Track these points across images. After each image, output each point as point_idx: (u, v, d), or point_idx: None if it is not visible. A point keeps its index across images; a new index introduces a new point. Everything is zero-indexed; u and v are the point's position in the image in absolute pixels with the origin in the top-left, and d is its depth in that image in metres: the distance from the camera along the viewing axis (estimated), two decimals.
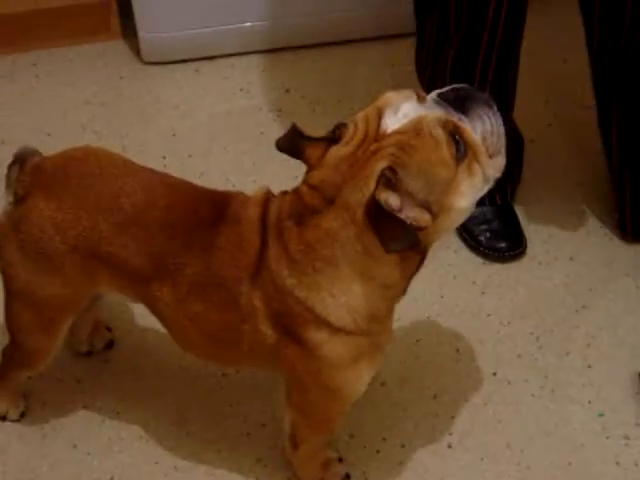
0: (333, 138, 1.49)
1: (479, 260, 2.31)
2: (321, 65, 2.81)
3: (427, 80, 2.24)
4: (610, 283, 2.28)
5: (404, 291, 1.58)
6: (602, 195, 2.38)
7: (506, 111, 2.22)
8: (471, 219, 2.28)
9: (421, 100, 1.48)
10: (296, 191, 1.53)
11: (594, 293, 2.25)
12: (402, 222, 1.41)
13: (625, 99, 2.13)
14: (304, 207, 1.50)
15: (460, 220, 1.53)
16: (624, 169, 2.23)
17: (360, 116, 1.49)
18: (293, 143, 1.52)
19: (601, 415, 2.03)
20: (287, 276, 1.52)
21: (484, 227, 2.29)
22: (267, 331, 1.57)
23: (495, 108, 1.52)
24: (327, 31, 2.82)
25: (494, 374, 2.09)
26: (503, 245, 2.30)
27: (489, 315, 2.21)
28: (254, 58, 2.83)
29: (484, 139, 1.49)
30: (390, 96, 1.49)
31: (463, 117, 1.48)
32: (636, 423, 2.02)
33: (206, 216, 1.59)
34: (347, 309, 1.51)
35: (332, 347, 1.53)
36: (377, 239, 1.43)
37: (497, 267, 2.30)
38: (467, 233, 2.30)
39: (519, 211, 2.37)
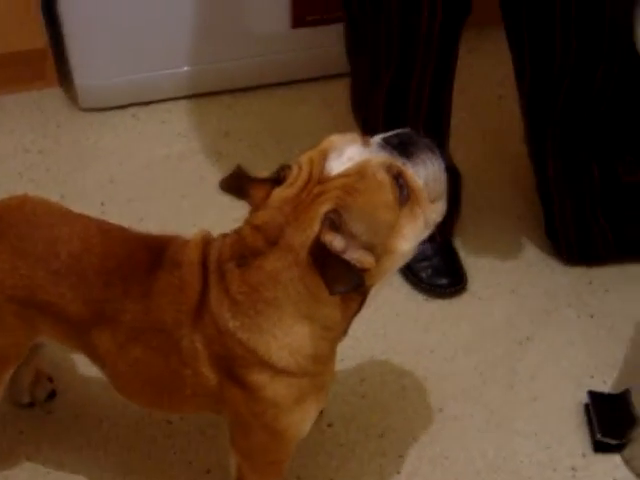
0: (277, 179, 1.50)
1: (421, 297, 2.32)
2: (259, 107, 2.82)
3: (362, 120, 2.25)
4: (552, 314, 2.30)
5: (345, 332, 1.58)
6: (541, 228, 2.40)
7: (441, 147, 2.24)
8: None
9: (365, 144, 1.49)
10: (238, 232, 1.53)
11: (536, 325, 2.27)
12: (346, 263, 1.41)
13: (560, 131, 2.15)
14: (246, 248, 1.49)
15: (402, 262, 1.54)
16: (565, 199, 2.26)
17: (304, 158, 1.49)
18: (237, 184, 1.52)
19: (548, 447, 2.04)
20: (229, 318, 1.51)
21: (425, 264, 2.30)
22: (209, 374, 1.56)
23: (438, 154, 1.53)
24: (264, 73, 2.84)
25: (440, 410, 2.10)
26: (444, 281, 2.31)
27: (433, 351, 2.21)
28: (191, 102, 2.83)
29: (426, 184, 1.50)
30: (335, 139, 1.49)
31: (407, 162, 1.49)
32: (582, 454, 2.03)
33: (143, 261, 1.58)
34: (289, 350, 1.50)
35: (275, 389, 1.52)
36: (320, 281, 1.42)
37: (439, 303, 2.31)
38: (408, 270, 2.31)
39: (459, 246, 2.39)
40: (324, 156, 1.47)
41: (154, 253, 1.59)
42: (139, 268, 1.58)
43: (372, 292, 1.53)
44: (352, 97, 2.28)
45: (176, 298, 1.55)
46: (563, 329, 2.26)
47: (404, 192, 1.46)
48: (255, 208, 1.51)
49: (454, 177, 2.34)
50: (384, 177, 1.44)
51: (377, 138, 1.52)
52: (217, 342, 1.53)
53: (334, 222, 1.41)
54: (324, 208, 1.42)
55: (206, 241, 1.58)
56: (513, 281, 2.36)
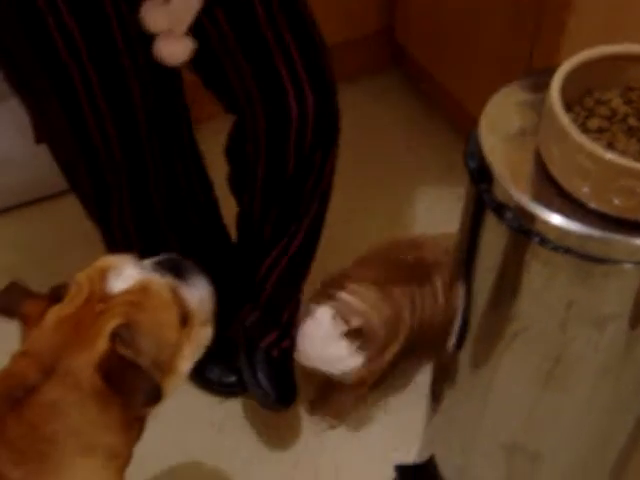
0: (55, 297, 1.45)
1: (214, 399, 2.27)
2: (13, 231, 2.69)
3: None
4: None
5: (129, 458, 1.52)
6: None
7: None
8: None
9: (140, 265, 1.50)
10: (7, 371, 1.44)
11: None
12: (144, 372, 1.37)
13: None
14: (18, 385, 1.40)
15: (179, 384, 1.51)
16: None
17: (82, 276, 1.46)
18: (11, 298, 1.46)
19: None
20: (11, 469, 1.41)
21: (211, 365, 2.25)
22: None
23: (207, 277, 1.57)
24: (15, 194, 2.73)
25: None
26: (234, 379, 2.24)
27: (232, 454, 2.16)
28: None
29: (200, 306, 1.53)
30: (112, 259, 1.49)
31: (182, 284, 1.52)
32: None
33: None
34: None
35: None
36: (103, 404, 1.39)
37: (233, 402, 2.27)
38: (196, 373, 2.24)
39: None
40: (103, 274, 1.45)
41: None
42: None
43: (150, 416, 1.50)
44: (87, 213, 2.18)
45: None
46: (360, 407, 2.25)
47: (184, 313, 1.48)
48: (28, 327, 1.44)
49: None
50: (169, 296, 1.46)
51: (150, 261, 1.53)
52: None
53: (124, 337, 1.37)
54: (112, 323, 1.39)
55: None
56: None
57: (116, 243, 2.04)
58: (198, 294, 1.54)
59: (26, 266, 2.58)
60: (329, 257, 2.22)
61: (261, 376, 2.08)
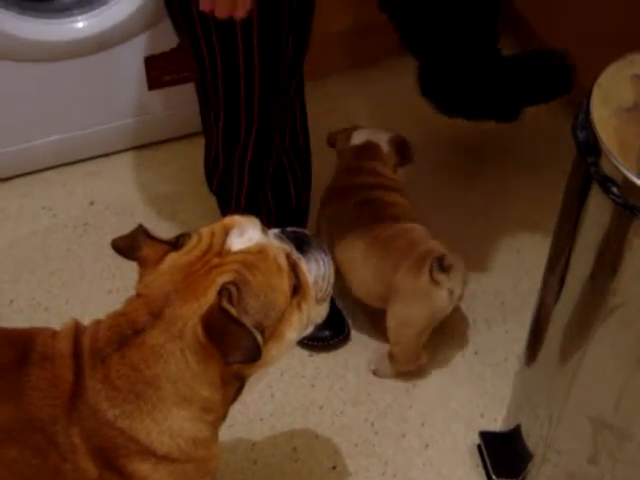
0: (175, 244, 1.48)
1: (305, 353, 2.30)
2: (123, 172, 2.77)
3: (218, 179, 2.20)
4: (436, 356, 2.29)
5: (224, 416, 1.55)
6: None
7: None
8: None
9: (264, 231, 1.52)
10: (120, 311, 1.48)
11: (422, 369, 2.26)
12: (247, 330, 1.38)
13: None
14: (128, 325, 1.45)
15: (285, 351, 1.52)
16: None
17: (206, 230, 1.49)
18: (133, 241, 1.48)
19: None
20: (108, 407, 1.45)
21: None
22: (89, 467, 1.49)
23: (330, 256, 1.58)
24: (126, 137, 2.79)
25: (334, 467, 2.07)
26: (327, 333, 2.28)
27: (321, 407, 2.19)
28: (53, 173, 2.75)
29: (316, 282, 1.55)
30: (237, 218, 1.51)
31: (301, 256, 1.54)
32: None
33: (10, 358, 1.51)
34: (170, 434, 1.46)
35: (158, 478, 1.47)
36: (202, 356, 1.41)
37: (324, 357, 2.29)
38: None
39: (336, 294, 2.35)
40: (226, 231, 1.48)
41: (22, 348, 1.52)
42: (7, 366, 1.51)
43: (250, 381, 1.52)
44: (206, 160, 2.22)
45: (49, 393, 1.48)
46: (449, 370, 2.26)
47: (297, 284, 1.49)
48: (144, 268, 1.47)
49: None
50: (284, 262, 1.47)
51: (274, 230, 1.56)
52: (96, 434, 1.47)
53: (231, 294, 1.39)
54: (223, 278, 1.41)
55: (77, 331, 1.53)
56: None
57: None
58: (316, 270, 1.55)
59: (137, 205, 2.67)
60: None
61: None
